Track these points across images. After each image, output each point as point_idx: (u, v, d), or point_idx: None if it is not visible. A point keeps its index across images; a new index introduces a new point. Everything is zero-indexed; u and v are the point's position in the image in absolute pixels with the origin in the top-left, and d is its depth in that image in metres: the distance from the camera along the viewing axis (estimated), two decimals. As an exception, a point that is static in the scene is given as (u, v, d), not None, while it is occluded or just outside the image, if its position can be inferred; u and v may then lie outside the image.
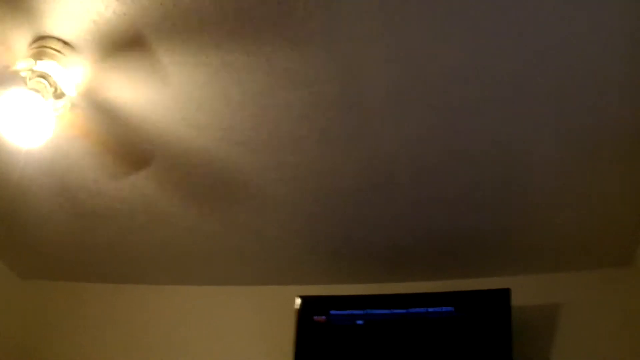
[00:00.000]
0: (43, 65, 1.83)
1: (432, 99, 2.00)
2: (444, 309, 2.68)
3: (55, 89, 1.88)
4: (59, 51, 1.84)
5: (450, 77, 1.90)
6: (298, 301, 2.81)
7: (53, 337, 3.35)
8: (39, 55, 1.83)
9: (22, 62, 1.82)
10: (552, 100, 1.95)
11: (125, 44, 1.81)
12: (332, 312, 2.77)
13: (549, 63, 1.81)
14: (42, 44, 1.83)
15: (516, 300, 2.59)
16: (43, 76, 1.85)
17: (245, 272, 3.18)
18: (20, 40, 1.84)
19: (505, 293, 2.61)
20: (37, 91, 1.82)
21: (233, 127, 2.18)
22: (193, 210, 2.70)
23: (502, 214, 2.55)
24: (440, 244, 2.77)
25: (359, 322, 2.73)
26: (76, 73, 1.90)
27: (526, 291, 2.73)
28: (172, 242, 2.97)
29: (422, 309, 2.70)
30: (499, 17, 1.67)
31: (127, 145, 2.23)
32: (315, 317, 2.76)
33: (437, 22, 1.70)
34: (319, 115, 2.09)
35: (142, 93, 2.01)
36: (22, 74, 1.84)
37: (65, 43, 1.84)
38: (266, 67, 1.88)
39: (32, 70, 1.83)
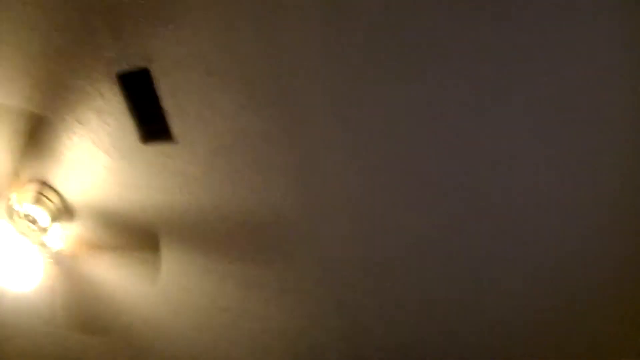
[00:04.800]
0: (35, 211, 1.82)
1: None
2: None
3: (43, 238, 1.85)
4: (53, 203, 1.83)
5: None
6: None
7: None
8: (36, 200, 1.83)
9: (17, 203, 1.80)
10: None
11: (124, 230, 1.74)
12: None
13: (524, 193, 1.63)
14: (42, 190, 1.84)
15: None
16: (33, 221, 1.83)
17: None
18: (23, 178, 1.83)
19: None
20: (25, 235, 1.80)
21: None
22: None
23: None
24: None
25: None
26: (65, 231, 1.84)
27: None
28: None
29: None
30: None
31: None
32: None
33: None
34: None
35: (128, 280, 1.97)
36: (16, 207, 1.82)
37: (64, 200, 1.82)
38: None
39: (26, 214, 1.82)
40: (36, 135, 1.64)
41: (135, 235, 2.01)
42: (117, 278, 2.22)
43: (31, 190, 1.82)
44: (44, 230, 1.87)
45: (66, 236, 1.92)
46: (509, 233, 1.72)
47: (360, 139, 1.53)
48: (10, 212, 1.80)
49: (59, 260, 2.00)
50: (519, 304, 1.98)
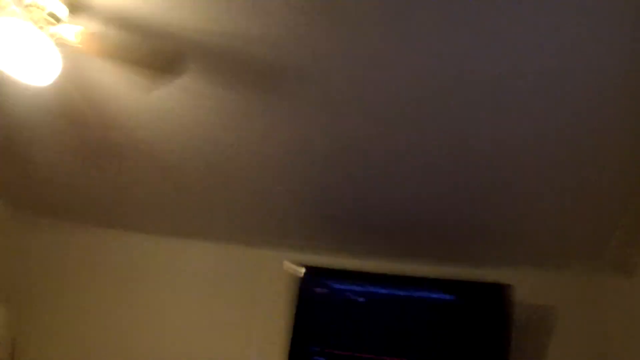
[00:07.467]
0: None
1: (434, 103, 2.03)
2: (444, 296, 2.69)
3: (49, 14, 1.72)
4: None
5: (450, 81, 1.92)
6: (302, 270, 2.77)
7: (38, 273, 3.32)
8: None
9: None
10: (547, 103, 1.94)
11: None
12: (336, 285, 2.75)
13: (547, 67, 1.80)
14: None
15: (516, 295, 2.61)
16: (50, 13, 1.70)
17: (242, 229, 3.13)
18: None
19: (506, 289, 2.62)
20: (32, 20, 1.67)
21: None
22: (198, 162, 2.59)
23: (499, 206, 2.56)
24: (437, 229, 2.78)
25: (361, 299, 2.72)
26: (80, 27, 1.73)
27: (527, 287, 2.74)
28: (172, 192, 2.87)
29: (424, 294, 2.70)
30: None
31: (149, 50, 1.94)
32: (317, 289, 2.74)
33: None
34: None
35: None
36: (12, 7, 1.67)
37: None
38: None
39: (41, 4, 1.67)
40: None
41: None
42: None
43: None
44: (59, 20, 1.73)
45: (80, 32, 1.75)
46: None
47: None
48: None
49: (68, 55, 1.86)
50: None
